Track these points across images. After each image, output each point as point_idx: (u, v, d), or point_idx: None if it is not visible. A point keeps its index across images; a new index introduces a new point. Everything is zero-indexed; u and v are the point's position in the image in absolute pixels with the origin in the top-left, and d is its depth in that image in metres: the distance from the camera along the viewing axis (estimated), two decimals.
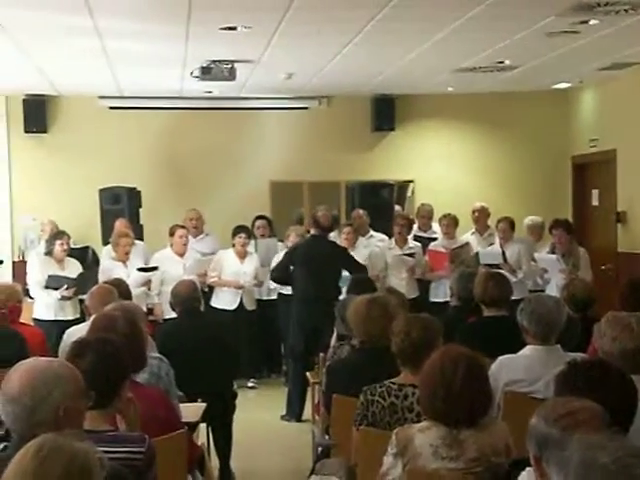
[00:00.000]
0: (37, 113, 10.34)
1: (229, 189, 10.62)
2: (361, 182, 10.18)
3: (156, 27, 6.84)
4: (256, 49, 7.70)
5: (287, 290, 8.25)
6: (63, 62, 8.31)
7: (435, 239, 9.04)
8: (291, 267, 7.81)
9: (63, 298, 7.70)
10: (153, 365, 4.26)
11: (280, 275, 7.92)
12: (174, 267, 8.31)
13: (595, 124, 10.37)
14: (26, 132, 10.37)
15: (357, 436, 3.71)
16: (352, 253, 8.30)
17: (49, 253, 7.88)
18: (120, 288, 5.73)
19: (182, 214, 9.35)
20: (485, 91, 10.40)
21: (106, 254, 8.59)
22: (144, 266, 8.26)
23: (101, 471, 2.00)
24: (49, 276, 7.71)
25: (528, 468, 2.41)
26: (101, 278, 7.55)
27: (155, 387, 4.09)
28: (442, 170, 10.90)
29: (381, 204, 9.80)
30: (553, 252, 8.27)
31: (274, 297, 8.93)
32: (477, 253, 8.51)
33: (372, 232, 9.17)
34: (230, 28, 6.79)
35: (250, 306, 8.75)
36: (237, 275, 8.58)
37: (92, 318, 4.34)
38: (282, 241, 9.01)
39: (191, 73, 8.48)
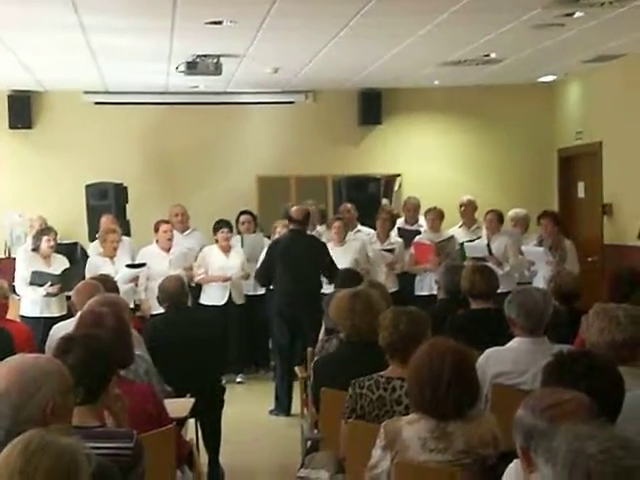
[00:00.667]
0: (22, 109, 10.29)
1: (216, 184, 10.60)
2: (348, 176, 10.18)
3: (141, 22, 6.82)
4: (242, 43, 7.68)
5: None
6: (48, 57, 8.26)
7: (420, 232, 9.05)
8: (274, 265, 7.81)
9: (48, 295, 7.67)
10: (148, 366, 4.25)
11: (265, 276, 7.90)
12: (160, 263, 8.29)
13: (581, 117, 10.40)
14: (11, 128, 10.32)
15: (346, 429, 3.72)
16: (341, 248, 8.32)
17: (36, 249, 7.85)
18: (107, 284, 5.72)
19: (168, 210, 9.32)
20: (471, 84, 10.42)
21: (94, 250, 8.56)
22: (132, 262, 8.23)
23: (89, 467, 1.99)
24: (33, 272, 7.68)
25: (516, 460, 2.42)
26: (88, 274, 7.52)
27: (143, 383, 4.08)
28: (429, 164, 10.91)
29: (368, 198, 9.81)
30: (540, 244, 8.31)
31: (262, 292, 8.93)
32: (462, 245, 8.54)
33: (360, 226, 9.17)
34: (216, 22, 6.78)
35: (239, 300, 8.75)
36: (224, 270, 8.58)
37: (79, 314, 4.32)
38: (269, 237, 9.01)
39: (177, 68, 8.46)
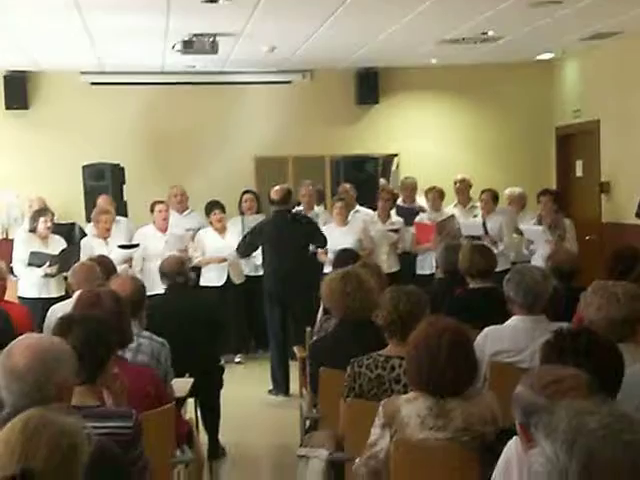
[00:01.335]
0: (18, 89, 10.23)
1: (213, 165, 10.57)
2: (345, 156, 10.15)
3: (137, 0, 6.76)
4: (238, 22, 7.64)
5: None
6: (44, 37, 8.21)
7: (418, 212, 9.04)
8: (259, 245, 7.83)
9: (46, 275, 7.66)
10: (154, 349, 4.25)
11: (245, 250, 8.00)
12: (156, 243, 8.28)
13: (578, 95, 10.37)
14: (7, 108, 10.27)
15: (345, 408, 3.73)
16: (344, 228, 8.32)
17: (33, 230, 7.84)
18: (104, 265, 5.72)
19: (166, 190, 9.30)
20: (469, 63, 10.37)
21: (90, 231, 8.55)
22: (125, 243, 8.22)
23: (88, 446, 2.00)
24: (31, 253, 7.66)
25: (515, 437, 2.43)
26: (82, 255, 7.52)
27: (142, 364, 4.08)
28: (426, 143, 10.88)
29: (366, 178, 9.78)
30: (539, 223, 8.31)
31: (261, 273, 8.92)
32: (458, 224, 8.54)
33: (358, 207, 9.16)
34: (212, 1, 6.73)
35: (237, 280, 8.75)
36: (220, 251, 8.56)
37: (77, 294, 4.32)
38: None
39: (173, 47, 8.41)
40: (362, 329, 4.32)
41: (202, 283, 8.61)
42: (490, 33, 8.56)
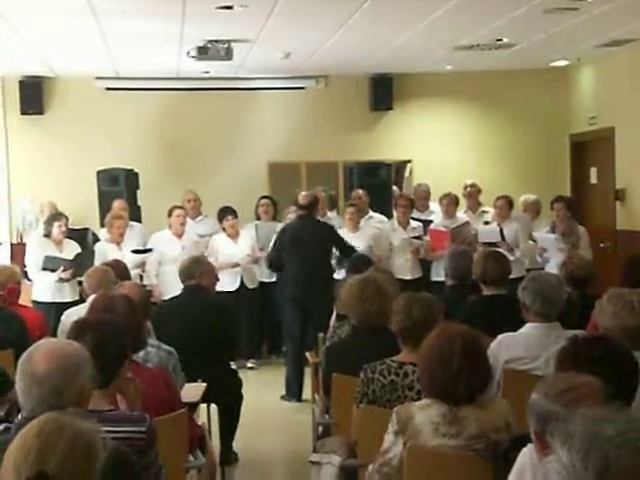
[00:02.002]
0: (34, 94, 10.29)
1: (227, 170, 10.59)
2: (359, 162, 10.15)
3: (152, 6, 6.80)
4: (253, 28, 7.66)
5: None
6: (59, 43, 8.26)
7: (431, 221, 9.02)
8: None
9: (61, 280, 7.69)
10: (162, 358, 4.25)
11: (274, 262, 7.94)
12: (172, 248, 8.32)
13: (593, 102, 10.34)
14: (23, 114, 10.33)
15: (357, 414, 3.72)
16: (356, 234, 8.32)
17: (47, 235, 7.87)
18: (118, 269, 5.74)
19: (180, 195, 9.33)
20: (483, 69, 10.36)
21: (104, 236, 8.58)
22: (138, 248, 8.25)
23: (104, 450, 2.00)
24: (46, 257, 7.69)
25: (529, 444, 2.42)
26: (96, 260, 7.55)
27: (155, 367, 4.09)
28: (440, 149, 10.87)
29: (379, 184, 9.78)
30: (553, 231, 8.28)
31: (274, 279, 8.93)
32: (475, 231, 8.52)
33: (371, 213, 9.16)
34: (227, 7, 6.75)
35: (251, 284, 8.76)
36: (233, 256, 8.58)
37: (91, 299, 4.33)
38: (281, 221, 9.02)
39: (188, 53, 8.44)
40: (376, 335, 4.32)
41: (217, 288, 8.60)
42: (505, 40, 8.55)
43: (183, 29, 7.60)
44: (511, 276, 5.52)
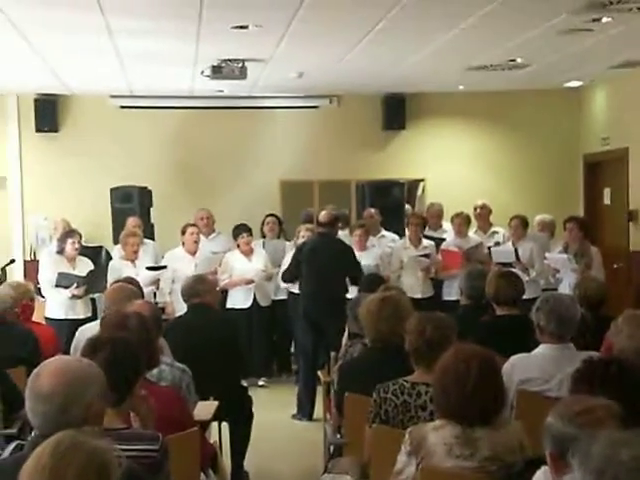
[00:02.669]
0: (48, 112, 10.37)
1: (239, 188, 10.62)
2: (371, 181, 10.17)
3: (167, 26, 6.85)
4: (267, 48, 7.70)
5: (297, 289, 8.26)
6: (75, 61, 8.32)
7: (444, 239, 9.01)
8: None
9: (73, 297, 7.71)
10: (175, 376, 4.25)
11: (289, 275, 8.01)
12: (186, 265, 8.32)
13: (607, 122, 10.33)
14: (37, 131, 10.40)
15: (370, 434, 3.71)
16: (363, 253, 8.32)
17: (60, 252, 7.90)
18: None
19: (193, 213, 9.36)
20: (496, 89, 10.38)
21: (117, 253, 8.61)
22: (152, 265, 8.27)
23: (118, 469, 2.00)
24: (59, 274, 7.72)
25: (543, 467, 2.40)
26: (110, 277, 7.57)
27: (167, 386, 4.09)
28: (453, 169, 10.88)
29: (391, 203, 9.78)
30: (566, 251, 8.25)
31: (284, 297, 8.93)
32: (489, 251, 8.50)
33: (383, 232, 9.16)
34: (241, 27, 6.79)
35: (264, 302, 8.77)
36: (247, 273, 8.59)
37: (103, 316, 4.34)
38: (289, 240, 9.03)
39: (202, 72, 8.49)
40: (390, 355, 4.30)
41: (228, 305, 8.63)
42: (519, 60, 8.56)
43: (198, 48, 7.65)
44: (527, 296, 5.50)
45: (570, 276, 7.89)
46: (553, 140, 10.86)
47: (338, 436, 4.62)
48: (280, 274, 8.28)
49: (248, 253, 8.70)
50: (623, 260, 9.75)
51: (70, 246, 7.85)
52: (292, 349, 9.08)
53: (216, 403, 4.81)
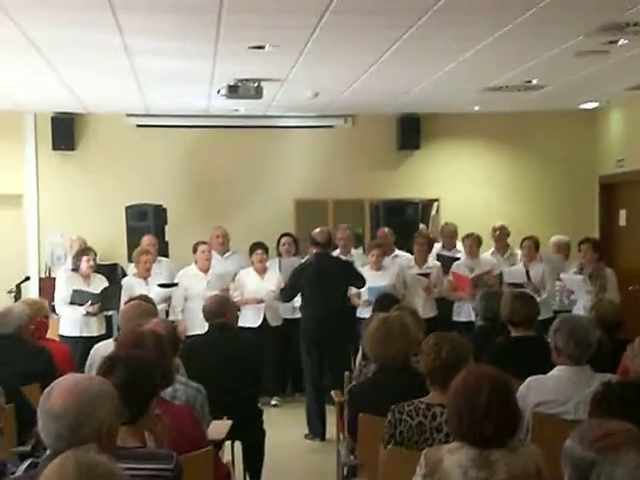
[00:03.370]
0: (65, 130, 10.43)
1: (254, 207, 10.65)
2: (385, 200, 10.17)
3: (185, 46, 6.89)
4: (283, 68, 7.73)
5: None
6: (92, 80, 8.38)
7: (458, 258, 9.00)
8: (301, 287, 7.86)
9: (88, 314, 7.73)
10: (189, 395, 4.24)
11: (288, 296, 8.07)
12: (198, 284, 8.35)
13: (623, 144, 10.31)
14: (54, 149, 10.47)
15: (385, 455, 3.69)
16: (379, 273, 8.31)
17: (76, 269, 7.93)
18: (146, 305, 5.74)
19: (207, 231, 9.38)
20: (512, 110, 10.38)
21: (131, 271, 8.64)
22: (164, 282, 8.29)
23: None
24: (74, 291, 7.75)
25: None
26: (124, 295, 7.59)
27: (182, 404, 4.08)
28: (467, 189, 10.87)
29: (405, 223, 9.78)
30: (580, 272, 8.21)
31: (299, 316, 8.92)
32: (501, 272, 8.48)
33: (397, 251, 9.15)
34: (258, 47, 6.83)
35: (274, 322, 8.76)
36: (258, 291, 8.60)
37: (119, 334, 4.34)
38: (304, 258, 9.03)
39: (218, 91, 8.53)
40: (402, 375, 4.29)
41: (239, 323, 8.62)
42: (534, 81, 8.56)
43: (214, 68, 7.69)
44: (538, 318, 5.48)
45: (585, 297, 7.86)
46: (568, 161, 10.84)
47: (352, 457, 4.60)
48: (279, 294, 8.29)
49: (261, 271, 8.70)
50: (639, 282, 9.69)
51: (85, 264, 7.88)
52: None
53: (229, 422, 4.80)
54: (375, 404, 4.13)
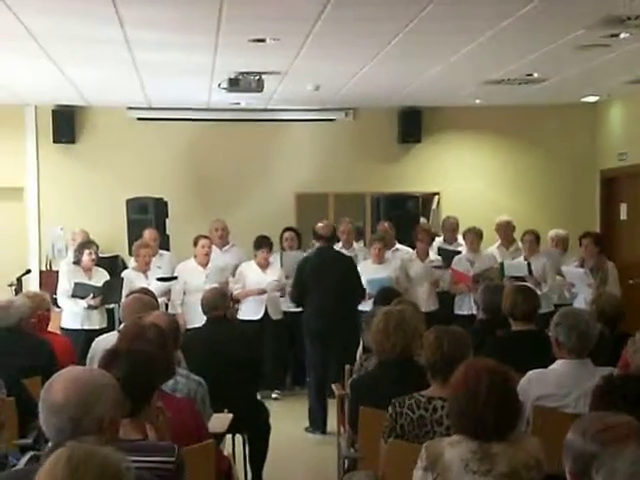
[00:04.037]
0: (66, 123, 10.42)
1: (255, 200, 10.64)
2: (386, 194, 10.17)
3: (185, 39, 6.88)
4: (284, 61, 7.72)
5: None
6: (93, 73, 8.37)
7: (460, 252, 9.00)
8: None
9: (90, 307, 7.74)
10: (191, 388, 4.25)
11: (297, 295, 7.90)
12: (197, 277, 8.36)
13: (624, 137, 10.30)
14: (55, 142, 10.46)
15: (386, 449, 3.69)
16: (380, 266, 8.32)
17: (77, 262, 7.94)
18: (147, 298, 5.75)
19: (208, 225, 9.38)
20: (513, 104, 10.37)
21: (132, 264, 8.64)
22: (163, 276, 8.30)
23: (131, 478, 1.99)
24: (75, 284, 7.76)
25: None
26: (124, 288, 7.60)
27: (183, 397, 4.09)
28: (468, 183, 10.87)
29: (406, 216, 9.78)
30: (582, 266, 8.21)
31: (299, 309, 8.92)
32: (502, 265, 8.48)
33: (398, 245, 9.15)
34: (259, 40, 6.82)
35: (275, 315, 8.76)
36: (260, 285, 8.60)
37: (122, 327, 4.35)
38: (306, 252, 9.03)
39: (219, 84, 8.52)
40: (403, 368, 4.29)
41: (239, 316, 8.64)
42: (535, 75, 8.56)
43: (215, 61, 7.68)
44: (540, 311, 5.48)
45: (585, 291, 7.86)
46: (569, 155, 10.84)
47: (352, 450, 4.61)
48: (288, 294, 8.28)
49: (264, 266, 8.72)
50: (639, 276, 9.69)
51: (87, 257, 7.90)
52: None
53: (230, 416, 4.81)
54: (376, 397, 4.14)
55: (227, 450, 5.20)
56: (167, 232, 9.82)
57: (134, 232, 9.39)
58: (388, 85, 9.19)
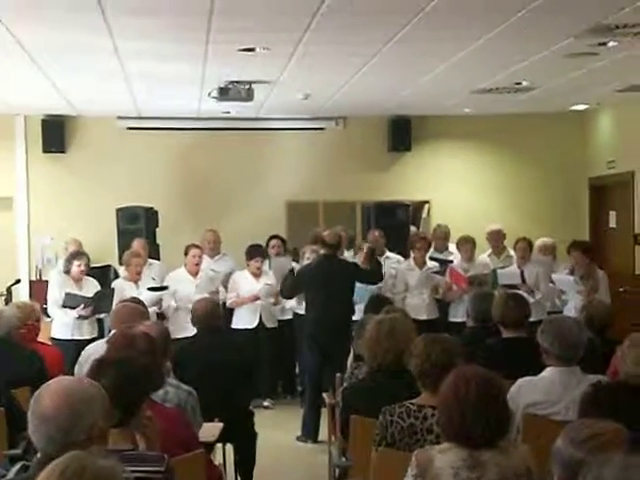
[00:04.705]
0: (56, 133, 10.41)
1: (245, 209, 10.65)
2: (377, 202, 10.19)
3: (175, 48, 6.88)
4: (274, 70, 7.74)
5: (302, 310, 8.24)
6: (82, 82, 8.37)
7: (451, 261, 9.01)
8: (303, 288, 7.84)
9: (80, 317, 7.71)
10: (181, 398, 4.24)
11: (289, 290, 7.99)
12: (187, 287, 8.35)
13: (613, 146, 10.35)
14: (44, 152, 10.44)
15: (376, 457, 3.69)
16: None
17: (67, 272, 7.91)
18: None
19: (199, 234, 9.37)
20: (502, 112, 10.41)
21: (122, 273, 8.63)
22: (154, 285, 8.29)
23: None
24: (66, 294, 7.73)
25: None
26: (115, 298, 7.58)
27: (173, 407, 4.08)
28: (458, 191, 10.90)
29: (396, 224, 9.81)
30: (572, 273, 8.23)
31: (289, 317, 8.93)
32: (494, 272, 8.49)
33: (388, 253, 9.16)
34: (249, 49, 6.83)
35: (270, 323, 8.76)
36: (253, 292, 8.59)
37: (110, 336, 4.34)
38: (297, 261, 9.02)
39: (209, 94, 8.53)
40: (394, 377, 4.29)
41: (234, 325, 8.64)
42: (524, 83, 8.59)
43: (205, 70, 7.69)
44: (532, 319, 5.49)
45: (576, 298, 7.88)
46: (559, 163, 10.88)
47: (344, 459, 4.60)
48: (279, 287, 8.27)
49: (258, 275, 8.72)
50: (629, 283, 9.72)
51: (76, 269, 7.87)
52: (297, 370, 9.06)
53: (221, 425, 4.80)
54: (367, 406, 4.13)
55: (218, 459, 5.19)
56: (157, 241, 9.81)
57: (124, 241, 9.37)
58: (378, 94, 9.21)
